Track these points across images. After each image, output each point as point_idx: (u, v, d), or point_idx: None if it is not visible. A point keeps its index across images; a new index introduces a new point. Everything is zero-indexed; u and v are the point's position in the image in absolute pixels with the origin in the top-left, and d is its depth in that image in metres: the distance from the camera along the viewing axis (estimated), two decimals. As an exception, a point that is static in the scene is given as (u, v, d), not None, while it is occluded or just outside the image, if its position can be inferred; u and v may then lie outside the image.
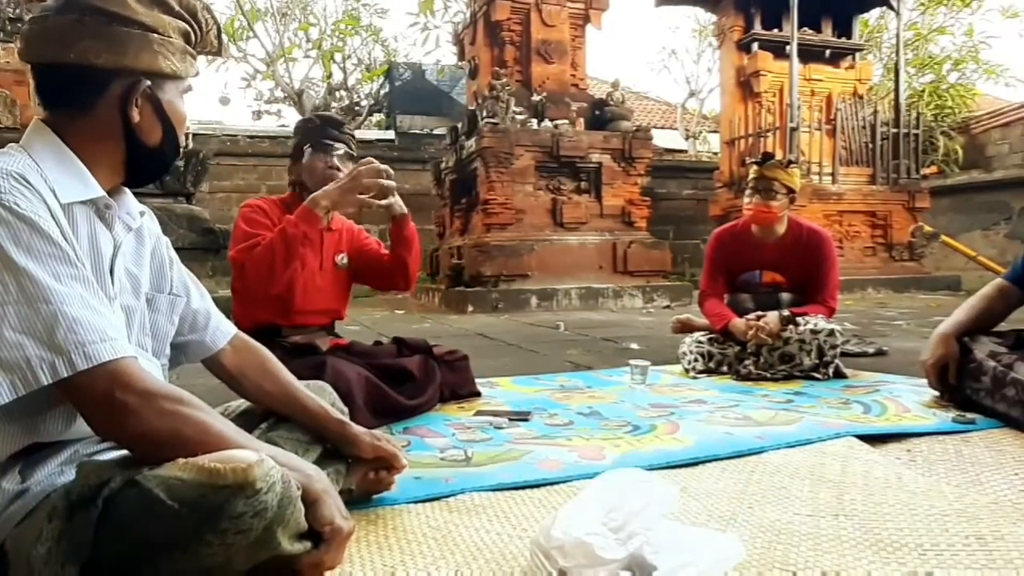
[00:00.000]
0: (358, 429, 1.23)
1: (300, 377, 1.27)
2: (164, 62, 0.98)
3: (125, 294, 1.02)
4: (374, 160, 1.93)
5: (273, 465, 0.79)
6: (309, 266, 2.05)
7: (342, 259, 2.22)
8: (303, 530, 0.85)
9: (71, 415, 0.92)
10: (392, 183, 1.94)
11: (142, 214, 1.09)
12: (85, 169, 0.96)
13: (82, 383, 0.82)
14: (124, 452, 0.91)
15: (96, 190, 0.96)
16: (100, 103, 0.97)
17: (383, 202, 1.96)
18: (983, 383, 1.91)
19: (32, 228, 0.84)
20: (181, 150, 1.09)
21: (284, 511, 0.79)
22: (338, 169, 2.08)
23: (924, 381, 2.23)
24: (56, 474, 0.90)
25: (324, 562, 0.88)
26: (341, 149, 2.12)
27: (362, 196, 1.90)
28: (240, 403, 1.27)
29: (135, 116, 0.98)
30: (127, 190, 1.06)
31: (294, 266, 1.91)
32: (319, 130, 2.12)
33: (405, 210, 2.08)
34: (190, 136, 9.75)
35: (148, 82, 0.98)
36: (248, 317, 2.01)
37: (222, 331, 1.20)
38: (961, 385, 1.99)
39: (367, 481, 1.27)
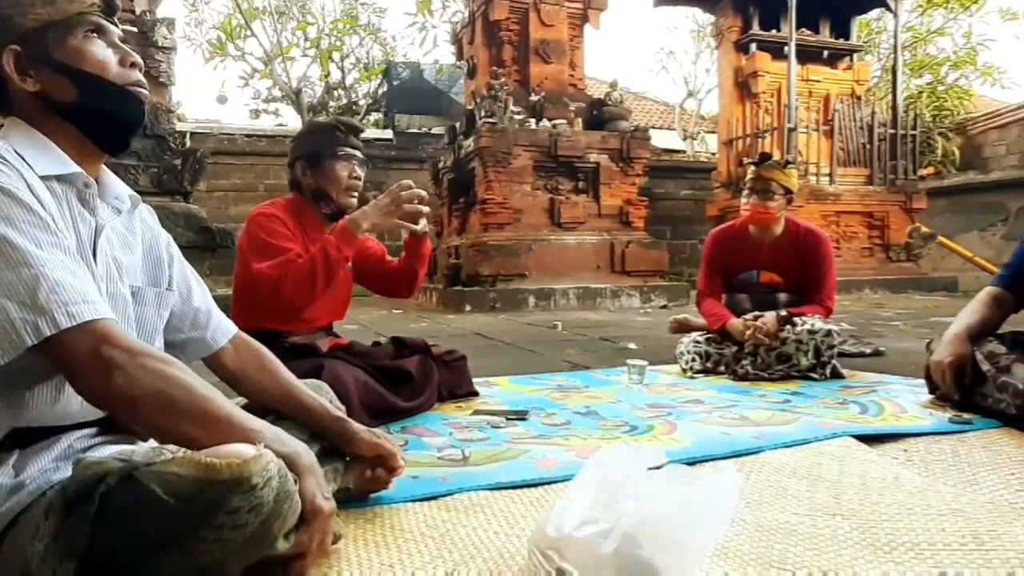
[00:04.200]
0: (357, 426, 1.23)
1: (298, 378, 1.27)
2: (23, 18, 0.93)
3: (112, 281, 1.01)
4: (412, 183, 1.94)
5: (271, 459, 0.79)
6: None
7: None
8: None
9: (56, 394, 0.92)
10: (426, 208, 1.96)
11: (133, 201, 1.09)
12: (58, 148, 0.96)
13: (66, 342, 0.83)
14: (120, 448, 0.91)
15: (72, 166, 0.96)
16: (6, 94, 0.96)
17: (416, 227, 1.98)
18: (986, 386, 1.91)
19: (11, 198, 0.85)
20: (133, 88, 1.01)
21: (281, 506, 0.79)
22: (359, 179, 2.09)
23: (921, 381, 2.23)
24: (51, 470, 0.90)
25: (305, 544, 0.86)
26: (360, 159, 2.12)
27: (399, 220, 1.92)
28: (238, 401, 1.27)
29: (31, 86, 0.94)
30: (113, 175, 1.06)
31: (332, 285, 1.92)
32: (345, 138, 2.08)
33: (428, 229, 2.09)
34: (188, 135, 9.75)
35: (16, 47, 0.93)
36: (249, 322, 1.99)
37: (223, 330, 1.20)
38: (973, 387, 1.97)
39: (364, 480, 1.27)
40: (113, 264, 1.02)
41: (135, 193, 1.10)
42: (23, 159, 0.91)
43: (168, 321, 1.13)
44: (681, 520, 0.86)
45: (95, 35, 0.99)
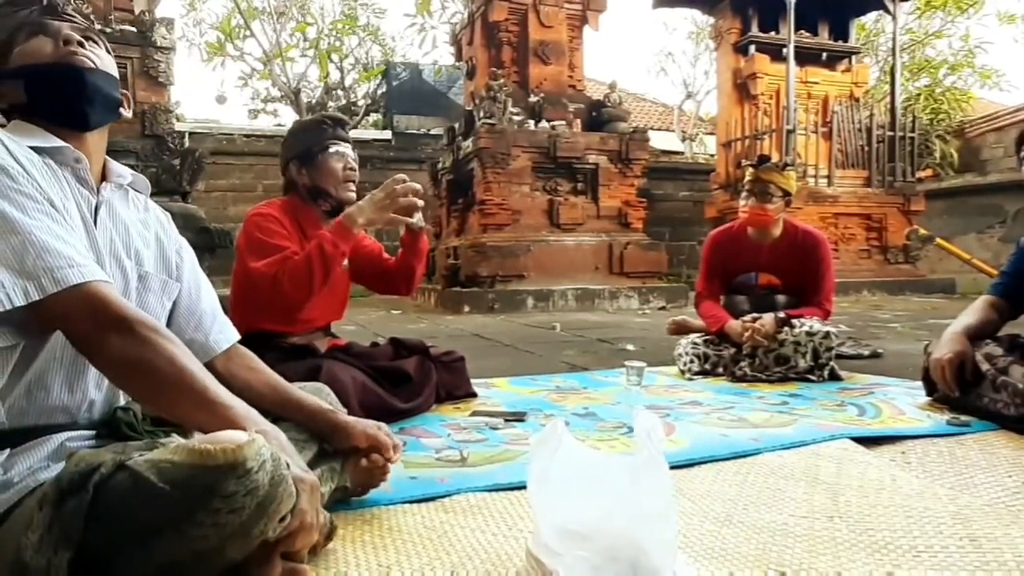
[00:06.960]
0: (348, 417, 1.24)
1: (296, 380, 1.27)
2: None
3: (113, 255, 1.04)
4: (406, 177, 1.93)
5: (264, 444, 0.80)
6: None
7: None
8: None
9: (44, 392, 0.94)
10: (421, 202, 1.95)
11: (141, 183, 1.13)
12: (41, 130, 1.01)
13: (56, 306, 0.86)
14: (114, 445, 0.91)
15: (56, 141, 1.00)
16: None
17: (410, 220, 1.97)
18: (983, 386, 1.92)
19: None
20: (66, 60, 1.03)
21: (276, 488, 0.79)
22: (355, 170, 2.08)
23: (919, 383, 2.23)
24: (41, 469, 0.90)
25: (299, 516, 0.84)
26: (351, 150, 2.11)
27: (394, 214, 1.91)
28: None
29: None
30: (114, 161, 1.11)
31: (329, 281, 1.91)
32: (333, 131, 2.08)
33: (424, 224, 2.08)
34: (186, 135, 9.74)
35: None
36: (247, 323, 1.98)
37: (225, 336, 1.22)
38: (972, 387, 1.96)
39: (360, 471, 1.25)
40: (117, 240, 1.06)
41: (143, 177, 1.15)
42: (9, 138, 0.94)
43: (175, 321, 1.16)
44: (652, 511, 0.87)
45: (40, 35, 1.03)
